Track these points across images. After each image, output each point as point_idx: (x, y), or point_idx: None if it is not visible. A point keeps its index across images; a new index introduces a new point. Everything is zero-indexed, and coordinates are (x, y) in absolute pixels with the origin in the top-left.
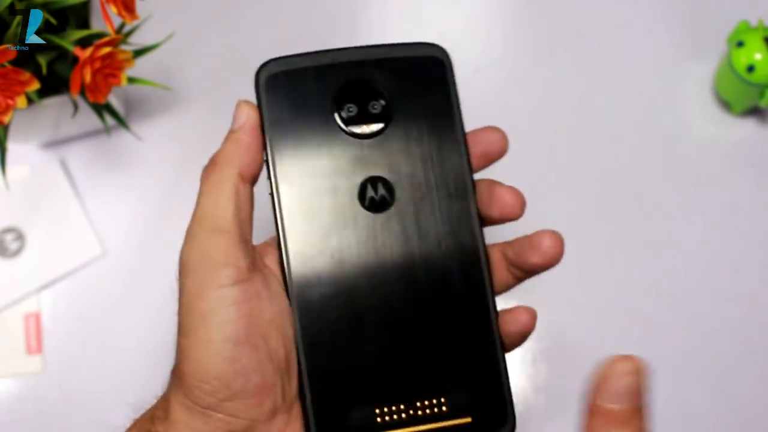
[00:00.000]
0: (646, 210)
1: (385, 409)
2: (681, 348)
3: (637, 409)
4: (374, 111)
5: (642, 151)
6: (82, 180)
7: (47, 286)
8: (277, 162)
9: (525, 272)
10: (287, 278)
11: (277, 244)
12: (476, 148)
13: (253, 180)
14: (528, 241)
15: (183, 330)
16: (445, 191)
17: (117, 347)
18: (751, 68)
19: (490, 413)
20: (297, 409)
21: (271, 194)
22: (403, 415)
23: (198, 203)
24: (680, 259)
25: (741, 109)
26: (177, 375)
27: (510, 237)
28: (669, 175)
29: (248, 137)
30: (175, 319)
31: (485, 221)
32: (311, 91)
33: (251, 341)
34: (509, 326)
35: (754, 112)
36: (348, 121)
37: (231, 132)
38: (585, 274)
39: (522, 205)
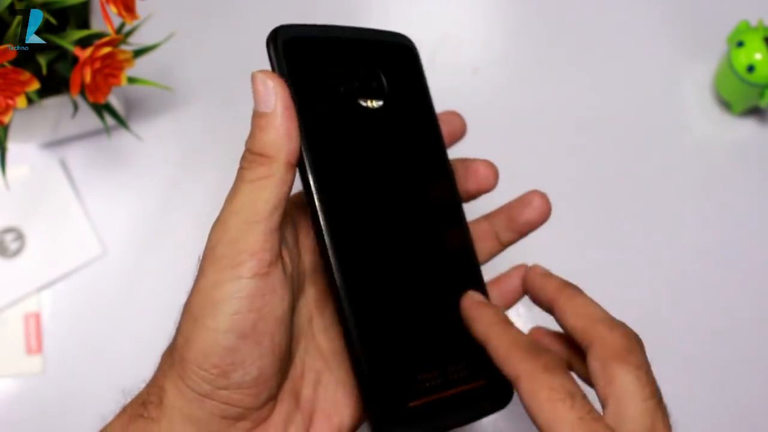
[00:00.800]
0: (645, 210)
1: (425, 376)
2: (681, 348)
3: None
4: (376, 87)
5: (642, 150)
6: (82, 180)
7: (47, 286)
8: (305, 132)
9: (518, 232)
10: (326, 247)
11: (312, 214)
12: (444, 128)
13: (297, 163)
14: (518, 202)
15: (189, 315)
16: (431, 162)
17: (117, 347)
18: (751, 68)
19: (499, 374)
20: (282, 394)
21: (301, 164)
22: (437, 382)
23: (238, 191)
24: (680, 258)
25: (741, 109)
26: (176, 359)
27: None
28: (669, 175)
29: (288, 122)
30: (174, 318)
31: (463, 196)
32: (328, 62)
33: (256, 336)
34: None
35: (754, 112)
36: (360, 95)
37: (263, 116)
38: (584, 274)
39: (495, 175)
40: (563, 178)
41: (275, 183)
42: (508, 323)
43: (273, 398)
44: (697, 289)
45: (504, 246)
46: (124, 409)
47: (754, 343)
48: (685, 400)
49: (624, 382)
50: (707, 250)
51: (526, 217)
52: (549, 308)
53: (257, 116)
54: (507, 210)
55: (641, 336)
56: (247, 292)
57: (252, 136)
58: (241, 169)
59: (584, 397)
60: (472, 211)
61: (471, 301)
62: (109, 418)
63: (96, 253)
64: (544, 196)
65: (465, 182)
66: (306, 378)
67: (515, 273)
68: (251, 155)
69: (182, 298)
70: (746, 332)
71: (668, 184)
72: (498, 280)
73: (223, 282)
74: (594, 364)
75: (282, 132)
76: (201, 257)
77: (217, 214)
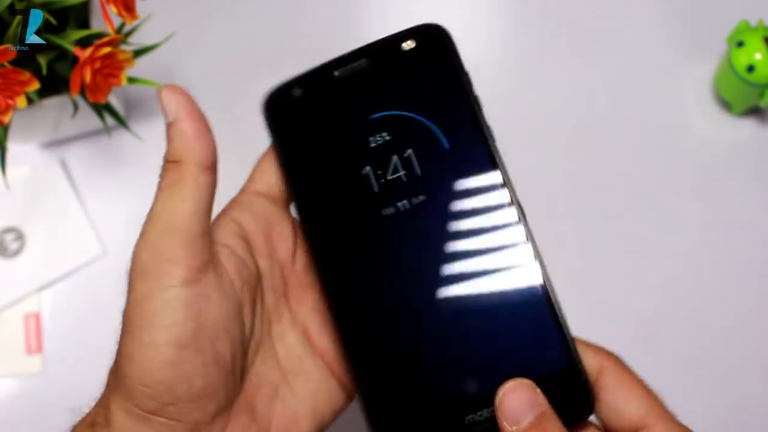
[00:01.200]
0: (645, 210)
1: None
2: (681, 348)
3: (541, 415)
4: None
5: (642, 150)
6: (82, 180)
7: (47, 286)
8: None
9: None
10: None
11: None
12: None
13: (214, 166)
14: None
15: (127, 331)
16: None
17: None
18: (751, 68)
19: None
20: (237, 408)
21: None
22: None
23: (154, 201)
24: (680, 258)
25: (741, 109)
26: (118, 378)
27: None
28: (669, 175)
29: (193, 124)
30: None
31: None
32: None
33: (197, 345)
34: None
35: (754, 112)
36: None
37: (169, 125)
38: (584, 274)
39: None
40: (563, 178)
41: (189, 187)
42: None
43: (223, 412)
44: (697, 288)
45: None
46: (74, 430)
47: (754, 343)
48: (685, 400)
49: None
50: (707, 250)
51: None
52: None
53: (166, 128)
54: None
55: (641, 336)
56: (179, 301)
57: (169, 142)
58: (159, 181)
59: None
60: None
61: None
62: None
63: (96, 253)
64: None
65: None
66: (262, 390)
67: None
68: (165, 164)
69: None
70: (746, 332)
71: (668, 183)
72: None
73: (152, 294)
74: None
75: (189, 134)
76: (127, 272)
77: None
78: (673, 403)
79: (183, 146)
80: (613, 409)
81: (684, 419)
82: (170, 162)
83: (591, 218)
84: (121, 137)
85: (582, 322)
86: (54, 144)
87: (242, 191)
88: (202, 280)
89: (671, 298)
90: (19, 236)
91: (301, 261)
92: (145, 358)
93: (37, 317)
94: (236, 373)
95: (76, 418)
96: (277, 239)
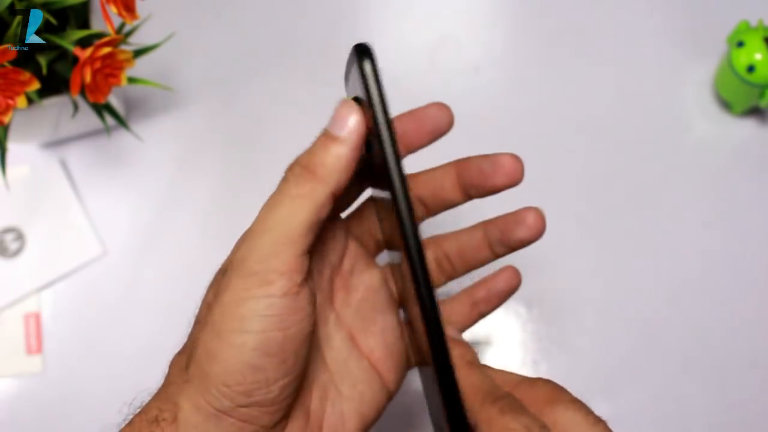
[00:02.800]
0: (645, 210)
1: None
2: (681, 348)
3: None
4: None
5: (642, 151)
6: (82, 180)
7: (47, 286)
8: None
9: (510, 248)
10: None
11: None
12: (429, 124)
13: (339, 195)
14: (513, 217)
15: (214, 329)
16: None
17: (117, 347)
18: (751, 68)
19: None
20: (298, 411)
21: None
22: None
23: (274, 205)
24: (680, 258)
25: (741, 109)
26: (195, 374)
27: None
28: (669, 175)
29: (353, 153)
30: (174, 318)
31: (491, 190)
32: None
33: (282, 355)
34: (498, 285)
35: (754, 112)
36: None
37: (332, 137)
38: (585, 275)
39: (522, 169)
40: (563, 178)
41: (316, 205)
42: (473, 365)
43: (287, 416)
44: (698, 288)
45: (497, 257)
46: (132, 424)
47: (754, 343)
48: (685, 400)
49: (567, 418)
50: (707, 250)
51: (519, 235)
52: None
53: (325, 135)
54: (502, 224)
55: (641, 336)
56: (276, 310)
57: (310, 152)
58: (284, 181)
59: (544, 426)
60: (468, 209)
61: None
62: (112, 423)
63: (96, 253)
64: (538, 214)
65: (493, 176)
66: (314, 392)
67: (502, 275)
68: (300, 168)
69: (182, 298)
70: (746, 332)
71: (668, 183)
72: (485, 281)
73: (251, 299)
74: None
75: (343, 162)
76: (226, 268)
77: (217, 213)
78: (673, 403)
79: (330, 167)
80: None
81: (684, 419)
82: (308, 170)
83: (591, 218)
84: (121, 137)
85: (583, 322)
86: (54, 144)
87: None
88: (299, 294)
89: (671, 297)
90: (19, 236)
91: (349, 263)
92: (231, 359)
93: (37, 317)
94: (303, 384)
95: (131, 411)
96: (330, 241)
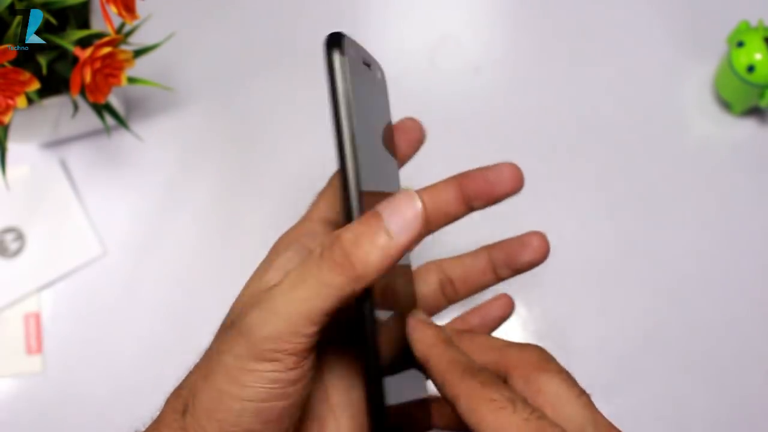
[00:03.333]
0: (645, 209)
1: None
2: (681, 348)
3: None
4: None
5: (642, 151)
6: (82, 180)
7: (47, 286)
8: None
9: (515, 271)
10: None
11: None
12: (402, 137)
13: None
14: (518, 241)
15: (213, 385)
16: None
17: (117, 347)
18: (751, 68)
19: None
20: None
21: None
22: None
23: (301, 279)
24: (680, 258)
25: (741, 109)
26: (192, 426)
27: (498, 233)
28: (669, 175)
29: (402, 254)
30: (174, 318)
31: (496, 199)
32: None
33: (281, 421)
34: (493, 312)
35: (754, 112)
36: None
37: (386, 234)
38: (585, 275)
39: (522, 176)
40: (563, 178)
41: (344, 298)
42: (448, 343)
43: None
44: (697, 288)
45: (500, 280)
46: None
47: (754, 343)
48: (685, 400)
49: (552, 388)
50: (707, 250)
51: (525, 258)
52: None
53: (377, 223)
54: (506, 247)
55: (641, 336)
56: (281, 384)
57: (356, 239)
58: (319, 257)
59: (525, 401)
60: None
61: (413, 321)
62: (112, 423)
63: (96, 253)
64: (543, 238)
65: (498, 184)
66: (311, 425)
67: (497, 303)
68: (341, 256)
69: (182, 298)
70: (746, 332)
71: (668, 183)
72: (480, 309)
73: (255, 370)
74: (518, 384)
75: (388, 263)
76: (234, 320)
77: (217, 213)
78: (673, 403)
79: (373, 266)
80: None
81: (684, 419)
82: (346, 258)
83: (591, 218)
84: (121, 137)
85: (583, 322)
86: (54, 144)
87: (309, 218)
88: (304, 366)
89: (671, 297)
90: (19, 236)
91: None
92: (229, 420)
93: (37, 317)
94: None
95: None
96: None
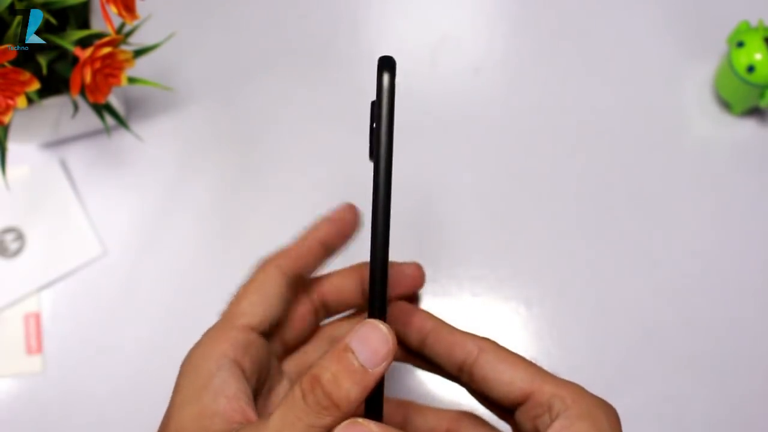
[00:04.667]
0: (645, 209)
1: None
2: (681, 348)
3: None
4: None
5: (642, 151)
6: (82, 180)
7: (47, 286)
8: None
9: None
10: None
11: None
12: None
13: None
14: (396, 269)
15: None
16: None
17: (117, 347)
18: (751, 68)
19: None
20: None
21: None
22: None
23: (289, 426)
24: (680, 259)
25: (741, 109)
26: None
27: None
28: (669, 176)
29: (377, 383)
30: (174, 318)
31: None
32: None
33: None
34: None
35: (754, 112)
36: None
37: (362, 372)
38: (585, 274)
39: (423, 277)
40: (563, 178)
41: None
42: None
43: None
44: (697, 288)
45: None
46: None
47: (754, 343)
48: (685, 400)
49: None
50: (707, 250)
51: (398, 291)
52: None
53: (357, 367)
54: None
55: (641, 336)
56: None
57: (336, 381)
58: (303, 401)
59: None
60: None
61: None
62: (112, 423)
63: (96, 253)
64: (419, 269)
65: (397, 286)
66: None
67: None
68: (324, 394)
69: (181, 298)
70: (746, 332)
71: (668, 184)
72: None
73: None
74: (561, 423)
75: (367, 393)
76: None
77: (216, 213)
78: (673, 403)
79: (355, 401)
80: (500, 382)
81: (684, 419)
82: (329, 399)
83: (591, 218)
84: (121, 137)
85: (583, 322)
86: (54, 144)
87: (231, 325)
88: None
89: (671, 297)
90: (19, 236)
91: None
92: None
93: (37, 317)
94: None
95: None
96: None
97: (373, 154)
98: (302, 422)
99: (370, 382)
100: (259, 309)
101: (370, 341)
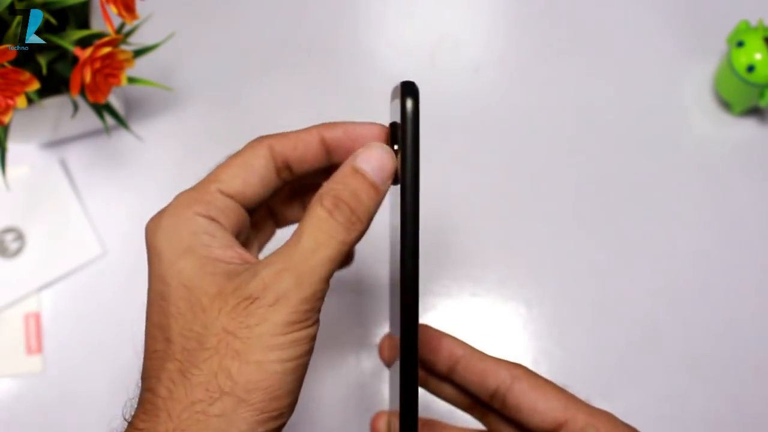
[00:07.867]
0: (645, 209)
1: None
2: (681, 348)
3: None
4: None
5: (642, 151)
6: (82, 180)
7: (47, 286)
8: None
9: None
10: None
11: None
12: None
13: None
14: (358, 129)
15: (238, 355)
16: None
17: (117, 347)
18: (751, 68)
19: None
20: None
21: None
22: None
23: (324, 242)
24: (680, 259)
25: (741, 109)
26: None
27: (497, 232)
28: (669, 175)
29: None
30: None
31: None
32: None
33: (302, 377)
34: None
35: (754, 112)
36: None
37: (374, 187)
38: (584, 274)
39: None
40: (563, 178)
41: (350, 248)
42: None
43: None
44: (697, 288)
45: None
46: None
47: (753, 343)
48: (685, 400)
49: None
50: (707, 250)
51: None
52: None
53: (364, 178)
54: (345, 133)
55: (641, 336)
56: (310, 340)
57: (356, 196)
58: (332, 218)
59: None
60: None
61: None
62: (112, 423)
63: (96, 253)
64: (382, 129)
65: (355, 143)
66: None
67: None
68: (350, 209)
69: None
70: (746, 332)
71: (668, 183)
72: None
73: (292, 332)
74: None
75: (375, 212)
76: (255, 295)
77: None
78: (673, 403)
79: (371, 215)
80: (533, 410)
81: (684, 419)
82: (354, 214)
83: (590, 217)
84: (121, 137)
85: (583, 322)
86: (54, 144)
87: (206, 189)
88: (318, 317)
89: (671, 297)
90: (19, 236)
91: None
92: (271, 386)
93: (37, 317)
94: None
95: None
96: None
97: (399, 180)
98: (335, 239)
99: (380, 197)
100: (239, 181)
101: (375, 159)
